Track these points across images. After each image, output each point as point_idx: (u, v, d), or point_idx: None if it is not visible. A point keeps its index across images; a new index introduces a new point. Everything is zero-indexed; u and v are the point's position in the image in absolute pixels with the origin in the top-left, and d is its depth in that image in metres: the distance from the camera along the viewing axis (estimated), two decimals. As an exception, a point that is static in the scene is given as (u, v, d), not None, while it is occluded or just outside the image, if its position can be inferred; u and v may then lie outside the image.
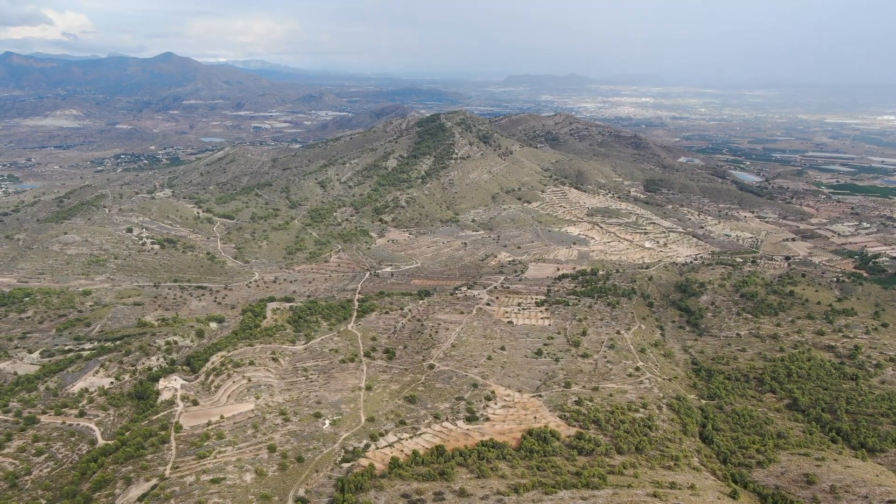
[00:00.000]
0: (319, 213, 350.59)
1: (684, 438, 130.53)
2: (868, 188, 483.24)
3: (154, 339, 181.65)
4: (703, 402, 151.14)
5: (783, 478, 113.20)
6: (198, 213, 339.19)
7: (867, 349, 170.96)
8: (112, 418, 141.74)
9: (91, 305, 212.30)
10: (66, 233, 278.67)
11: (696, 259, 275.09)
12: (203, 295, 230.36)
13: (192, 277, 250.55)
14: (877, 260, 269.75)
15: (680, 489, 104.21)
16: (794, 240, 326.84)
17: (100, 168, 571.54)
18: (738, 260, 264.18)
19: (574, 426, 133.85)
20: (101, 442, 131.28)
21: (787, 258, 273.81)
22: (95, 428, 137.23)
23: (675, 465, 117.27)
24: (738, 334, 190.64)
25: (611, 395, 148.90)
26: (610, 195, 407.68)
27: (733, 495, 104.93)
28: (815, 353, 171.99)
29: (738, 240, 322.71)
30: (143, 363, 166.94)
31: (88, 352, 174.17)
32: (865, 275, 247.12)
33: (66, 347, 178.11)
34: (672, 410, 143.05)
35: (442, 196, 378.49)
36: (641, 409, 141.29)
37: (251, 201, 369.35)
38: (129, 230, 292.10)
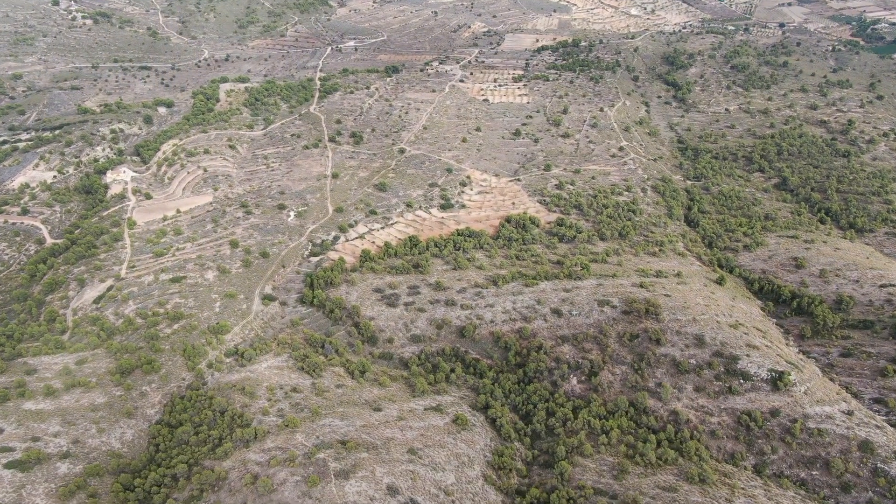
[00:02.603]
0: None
1: (669, 222, 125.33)
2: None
3: (97, 128, 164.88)
4: (689, 182, 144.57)
5: (770, 262, 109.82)
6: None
7: (860, 124, 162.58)
8: (59, 215, 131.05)
9: (24, 91, 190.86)
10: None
11: (685, 27, 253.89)
12: (148, 76, 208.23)
13: (133, 57, 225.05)
14: (875, 27, 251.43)
15: (666, 277, 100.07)
16: (789, 4, 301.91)
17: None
18: (730, 28, 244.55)
19: (554, 212, 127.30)
20: (49, 241, 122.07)
21: (782, 25, 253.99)
22: (42, 226, 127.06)
23: (659, 250, 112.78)
24: (726, 110, 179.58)
25: (593, 177, 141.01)
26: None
27: (720, 281, 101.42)
28: (807, 128, 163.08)
29: (730, 5, 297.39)
30: (88, 154, 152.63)
31: (25, 143, 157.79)
32: (862, 43, 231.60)
33: (1, 139, 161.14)
34: (657, 193, 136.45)
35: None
36: (625, 192, 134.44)
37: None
38: (56, 3, 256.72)
